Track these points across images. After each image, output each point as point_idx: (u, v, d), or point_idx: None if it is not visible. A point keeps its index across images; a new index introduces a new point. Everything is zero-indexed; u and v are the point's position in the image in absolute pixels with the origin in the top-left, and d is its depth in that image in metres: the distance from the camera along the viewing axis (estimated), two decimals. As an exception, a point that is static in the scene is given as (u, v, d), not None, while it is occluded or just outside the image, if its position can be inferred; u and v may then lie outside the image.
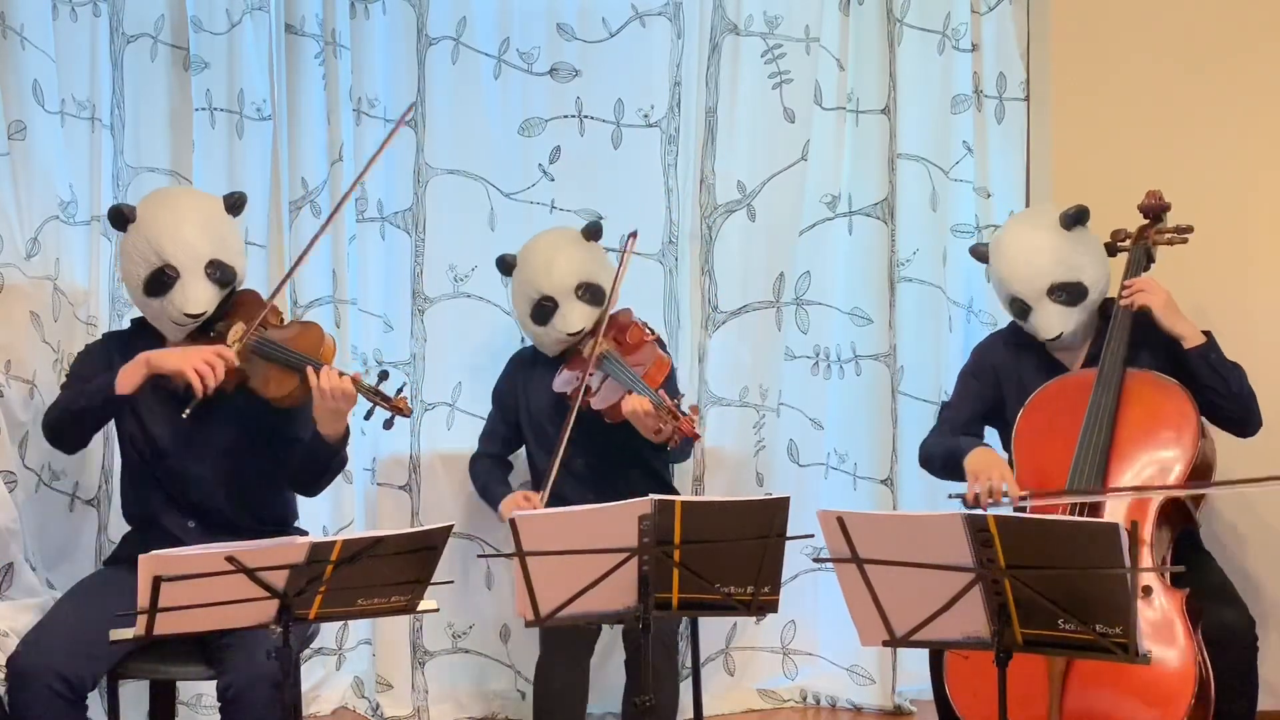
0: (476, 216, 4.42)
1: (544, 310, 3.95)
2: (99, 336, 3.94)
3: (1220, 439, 3.61)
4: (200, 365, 3.30)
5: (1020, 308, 3.70)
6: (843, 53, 4.40)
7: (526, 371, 4.09)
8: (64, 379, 3.79)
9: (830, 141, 4.42)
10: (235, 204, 3.61)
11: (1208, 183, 4.17)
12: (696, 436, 3.67)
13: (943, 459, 3.73)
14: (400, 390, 3.43)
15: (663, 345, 4.06)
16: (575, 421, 3.77)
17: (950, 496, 3.55)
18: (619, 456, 3.88)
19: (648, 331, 4.00)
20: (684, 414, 3.61)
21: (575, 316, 3.93)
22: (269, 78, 4.28)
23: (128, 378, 3.36)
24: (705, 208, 4.42)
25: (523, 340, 4.40)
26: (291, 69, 4.30)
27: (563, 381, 3.94)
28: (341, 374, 3.36)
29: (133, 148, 4.25)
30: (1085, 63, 4.30)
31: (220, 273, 3.49)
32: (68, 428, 3.46)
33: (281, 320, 3.59)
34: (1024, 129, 4.45)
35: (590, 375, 3.82)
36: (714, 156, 4.42)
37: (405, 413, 3.41)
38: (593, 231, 4.07)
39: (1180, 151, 4.21)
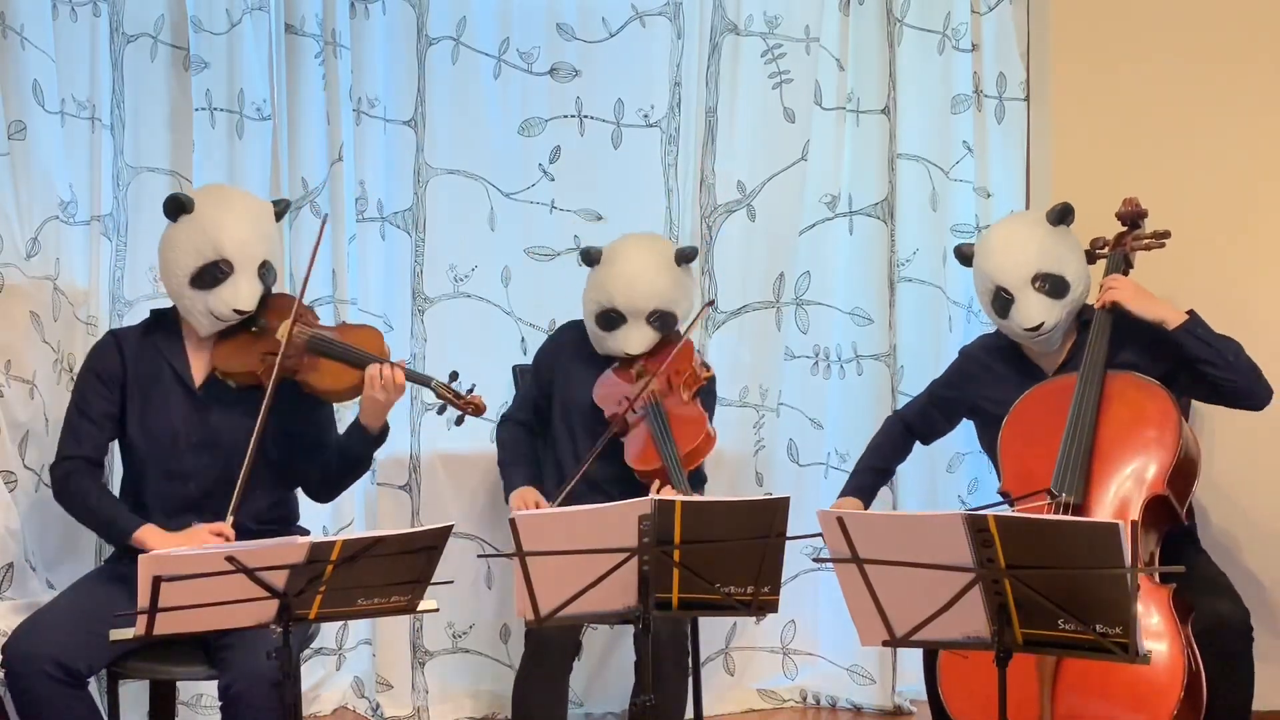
0: (476, 216, 4.42)
1: (610, 320, 3.92)
2: (100, 336, 3.94)
3: (1221, 430, 3.60)
4: None
5: (1003, 300, 3.69)
6: (843, 53, 4.40)
7: (573, 353, 4.04)
8: (71, 380, 3.80)
9: (830, 141, 4.43)
10: (282, 211, 3.67)
11: (1208, 181, 4.17)
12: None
13: (856, 468, 3.97)
14: (471, 389, 3.49)
15: (712, 384, 4.02)
16: (599, 422, 3.81)
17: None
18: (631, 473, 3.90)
19: (704, 369, 3.95)
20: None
21: (638, 339, 3.91)
22: (269, 78, 4.27)
23: (140, 542, 3.35)
24: (705, 208, 4.42)
25: (523, 342, 4.41)
26: (291, 69, 4.30)
27: (605, 396, 3.90)
28: (394, 365, 3.45)
29: (133, 148, 4.25)
30: (1085, 63, 4.30)
31: (269, 274, 3.54)
32: (73, 515, 3.53)
33: (318, 319, 3.65)
34: (1024, 129, 4.46)
35: (633, 411, 3.80)
36: (714, 156, 4.42)
37: (480, 409, 3.48)
38: (686, 256, 4.00)
39: (1181, 151, 4.21)
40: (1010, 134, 4.46)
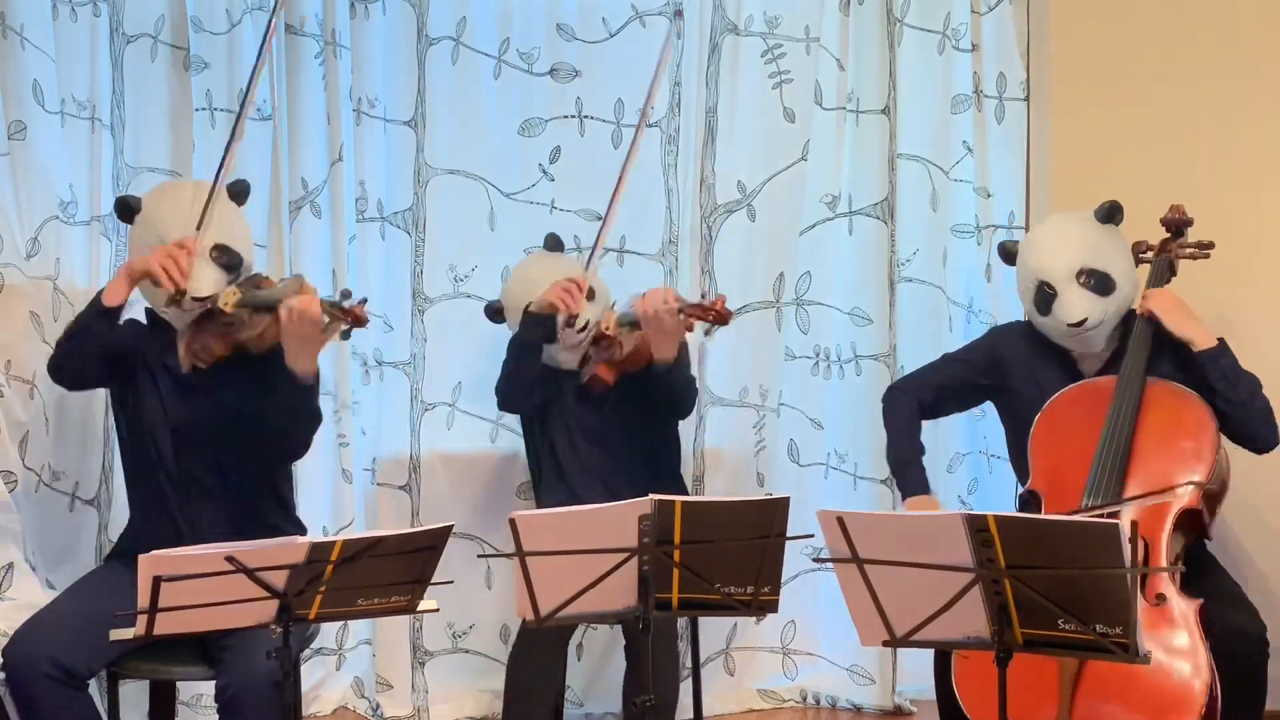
0: (476, 216, 4.42)
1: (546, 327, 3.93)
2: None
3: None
4: (164, 260, 3.34)
5: (1045, 295, 3.64)
6: (843, 53, 4.40)
7: (554, 385, 4.03)
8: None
9: (830, 141, 4.42)
10: (238, 192, 3.62)
11: (1208, 182, 4.16)
12: (730, 314, 3.88)
13: (893, 459, 3.83)
14: (363, 301, 3.39)
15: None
16: (594, 410, 3.90)
17: None
18: (632, 451, 3.94)
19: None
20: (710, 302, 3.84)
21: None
22: (269, 78, 4.28)
23: (114, 288, 3.41)
24: (705, 208, 4.42)
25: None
26: (291, 69, 4.30)
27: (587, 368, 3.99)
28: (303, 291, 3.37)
29: (133, 148, 4.25)
30: (1085, 63, 4.30)
31: (226, 257, 3.48)
32: (65, 357, 3.46)
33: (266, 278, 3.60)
34: (1024, 129, 4.45)
35: (607, 348, 3.92)
36: (714, 156, 4.42)
37: (362, 321, 3.37)
38: (553, 244, 4.17)
39: (1180, 151, 4.21)
40: (1010, 134, 4.46)
